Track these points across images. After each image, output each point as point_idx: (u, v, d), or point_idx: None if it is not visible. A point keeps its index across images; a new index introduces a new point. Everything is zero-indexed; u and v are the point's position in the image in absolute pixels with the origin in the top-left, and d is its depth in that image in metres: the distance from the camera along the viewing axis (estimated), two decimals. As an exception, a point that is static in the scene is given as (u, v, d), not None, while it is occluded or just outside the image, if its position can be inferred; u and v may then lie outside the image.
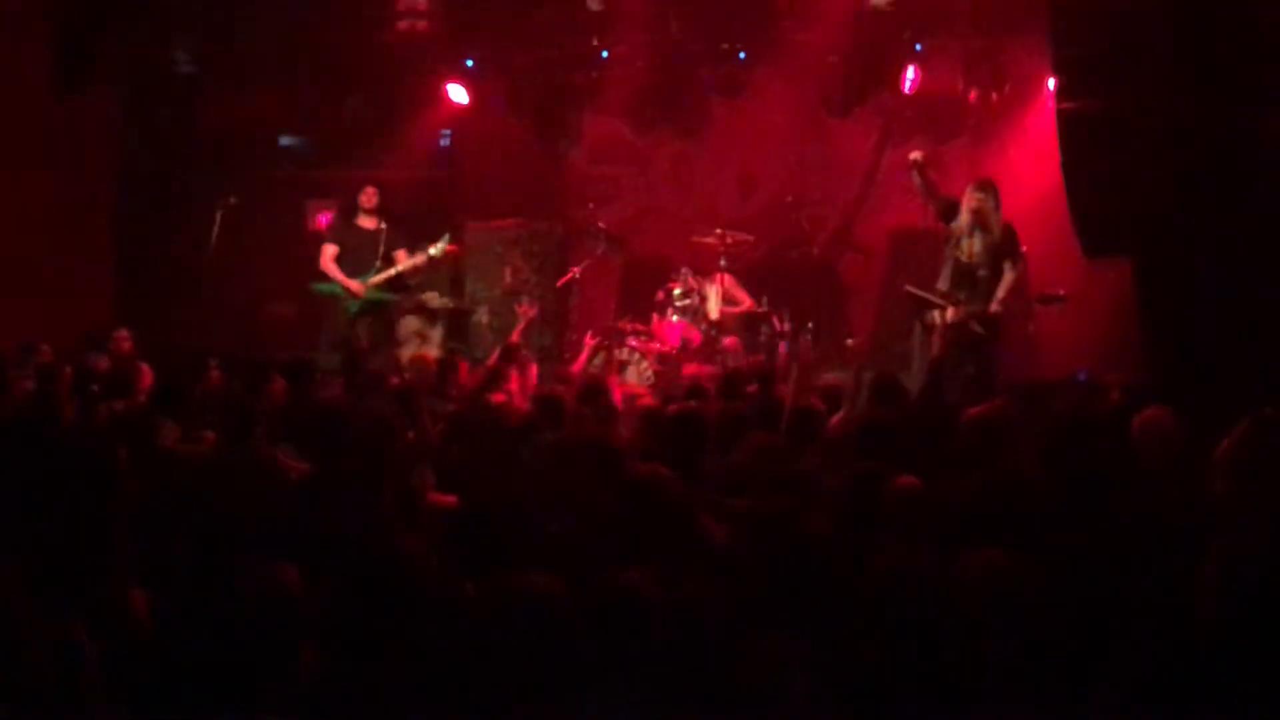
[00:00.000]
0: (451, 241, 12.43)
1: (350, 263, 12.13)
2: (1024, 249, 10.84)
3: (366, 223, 12.23)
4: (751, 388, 8.97)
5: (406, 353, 12.44)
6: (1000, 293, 10.59)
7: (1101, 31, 8.65)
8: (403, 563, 4.37)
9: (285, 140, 15.33)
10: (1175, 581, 4.43)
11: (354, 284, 12.03)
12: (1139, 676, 4.04)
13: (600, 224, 13.61)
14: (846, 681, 4.17)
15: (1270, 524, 5.04)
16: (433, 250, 12.15)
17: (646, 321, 13.05)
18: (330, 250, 12.22)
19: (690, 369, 12.12)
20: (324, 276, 12.20)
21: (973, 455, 6.22)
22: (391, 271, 12.09)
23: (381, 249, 12.13)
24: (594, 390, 8.39)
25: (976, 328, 10.46)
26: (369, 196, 12.27)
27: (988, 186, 10.74)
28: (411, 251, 12.18)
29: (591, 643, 4.17)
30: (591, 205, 14.87)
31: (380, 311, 12.21)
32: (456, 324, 13.86)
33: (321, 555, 4.76)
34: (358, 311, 12.08)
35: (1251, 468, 5.37)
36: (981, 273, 10.61)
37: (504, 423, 7.37)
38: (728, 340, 12.80)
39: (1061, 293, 11.87)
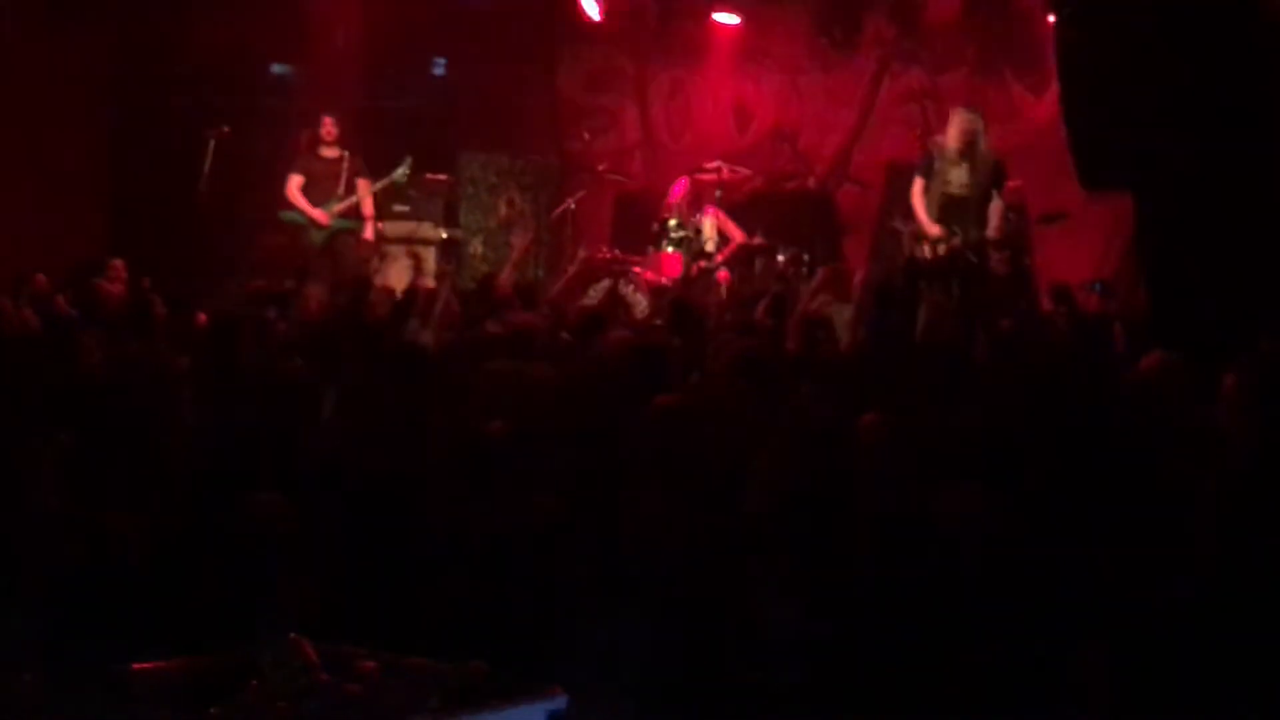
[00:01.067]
0: (443, 171, 12.40)
1: (314, 192, 12.27)
2: (1016, 182, 10.78)
3: (329, 153, 12.34)
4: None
5: (399, 281, 12.40)
6: (994, 219, 10.56)
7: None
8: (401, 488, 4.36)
9: (277, 69, 15.18)
10: (1171, 520, 4.43)
11: (318, 213, 12.19)
12: (1133, 614, 4.04)
13: (599, 166, 13.50)
14: (833, 612, 4.18)
15: (1272, 457, 5.04)
16: (395, 175, 12.27)
17: (642, 253, 12.99)
18: (295, 180, 12.41)
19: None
20: (291, 205, 12.34)
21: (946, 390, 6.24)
22: (353, 199, 12.20)
23: (344, 178, 12.20)
24: (594, 322, 8.32)
25: (972, 257, 10.43)
26: (328, 128, 12.39)
27: (976, 111, 10.68)
28: (375, 180, 12.29)
29: (593, 566, 4.19)
30: (587, 136, 14.76)
31: (346, 239, 12.27)
32: (451, 254, 13.81)
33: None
34: (323, 241, 12.20)
35: (1255, 402, 5.37)
36: (973, 203, 10.57)
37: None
38: (721, 274, 12.73)
39: (1064, 211, 11.76)
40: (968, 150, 10.65)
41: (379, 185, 12.35)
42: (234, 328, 7.39)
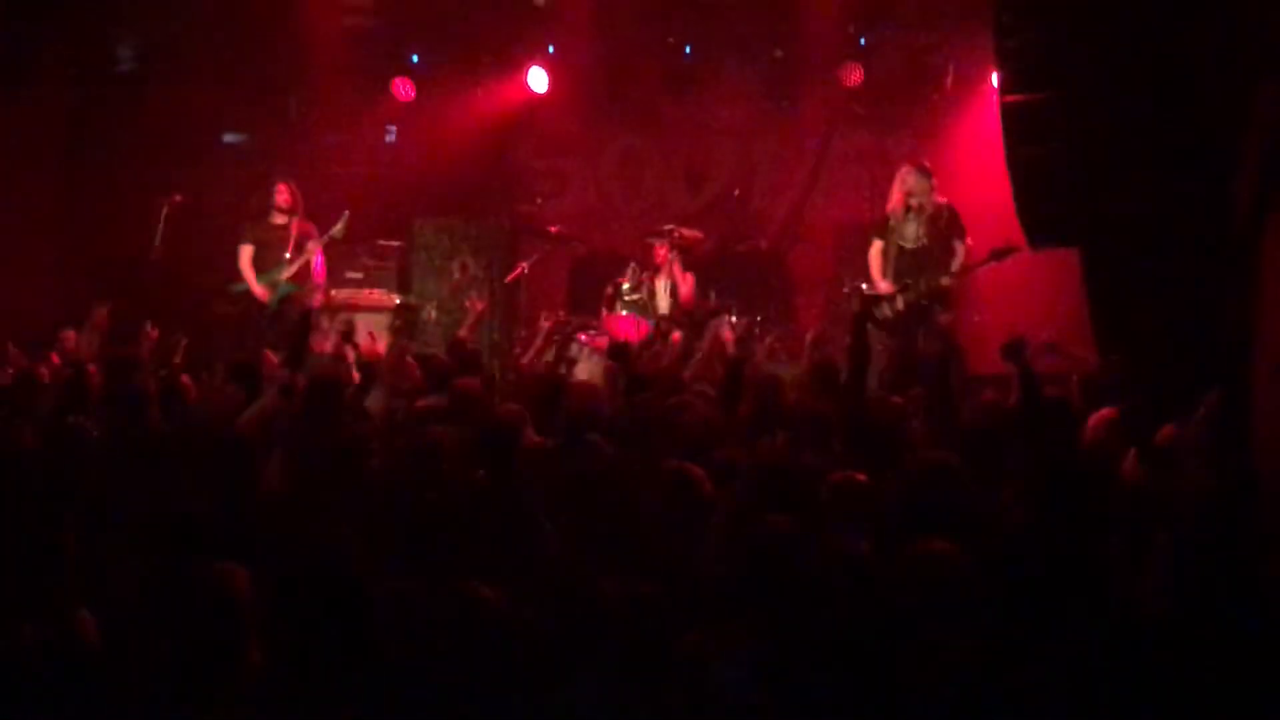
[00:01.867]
0: (398, 238, 12.39)
1: (262, 259, 12.33)
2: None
3: (279, 219, 12.36)
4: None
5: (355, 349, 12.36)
6: (954, 265, 10.74)
7: (1044, 24, 8.69)
8: (341, 562, 4.34)
9: (229, 137, 15.22)
10: (1119, 571, 4.47)
11: (258, 288, 12.19)
12: (1082, 665, 4.07)
13: (551, 229, 13.55)
14: (790, 674, 4.18)
15: (1218, 511, 5.09)
16: (333, 230, 12.32)
17: (595, 316, 13.04)
18: (246, 251, 12.40)
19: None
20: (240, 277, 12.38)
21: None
22: (302, 259, 12.20)
23: (291, 243, 12.27)
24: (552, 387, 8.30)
25: (925, 304, 10.61)
26: (282, 194, 12.39)
27: (921, 169, 10.89)
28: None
29: (545, 643, 4.18)
30: (539, 200, 14.85)
31: (290, 305, 12.23)
32: (405, 320, 13.82)
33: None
34: (274, 308, 12.19)
35: (1200, 454, 5.43)
36: (930, 253, 10.78)
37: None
38: (675, 335, 12.78)
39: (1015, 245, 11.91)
40: (914, 205, 10.91)
41: (320, 242, 12.38)
42: (179, 394, 7.38)
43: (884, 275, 11.17)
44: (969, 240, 11.17)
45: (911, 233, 11.02)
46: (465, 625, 4.20)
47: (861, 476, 5.42)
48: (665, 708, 4.12)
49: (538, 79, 14.58)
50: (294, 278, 12.37)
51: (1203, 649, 4.07)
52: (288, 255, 12.32)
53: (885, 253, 11.19)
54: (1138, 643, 4.18)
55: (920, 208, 10.96)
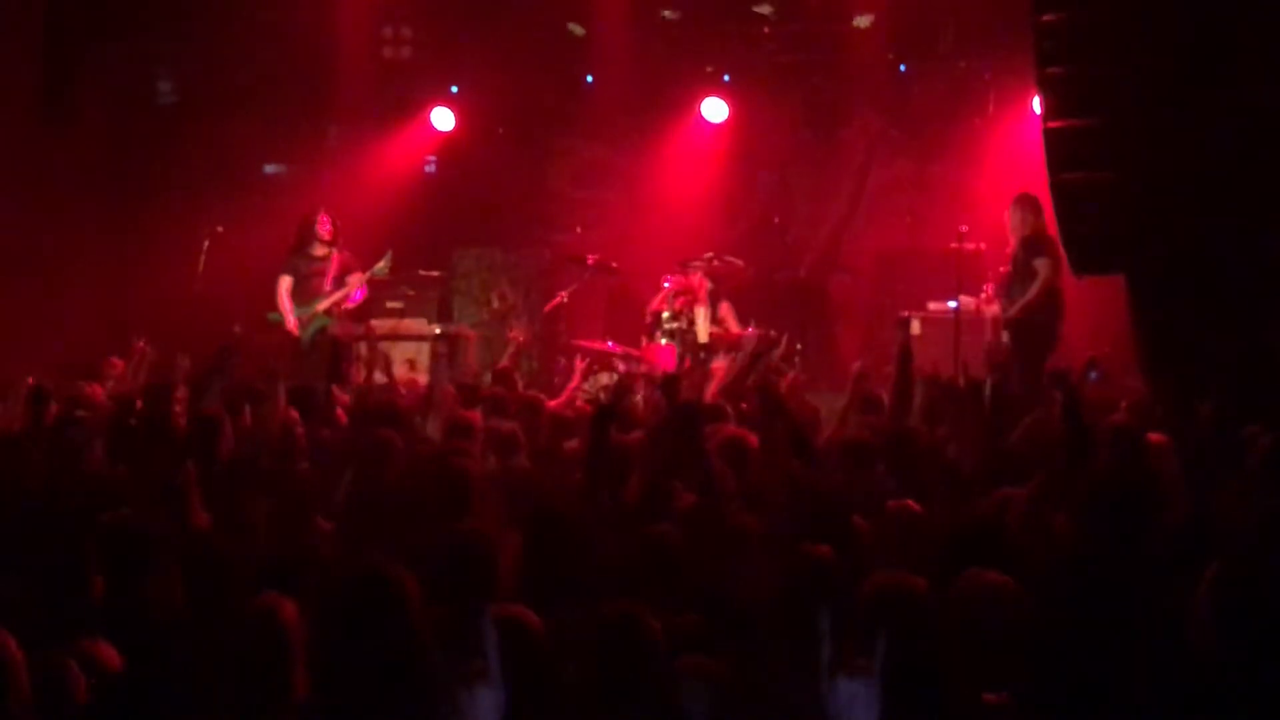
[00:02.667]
0: (438, 268, 12.42)
1: (301, 291, 12.18)
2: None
3: (319, 251, 12.26)
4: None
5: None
6: (1025, 296, 10.65)
7: (1086, 51, 8.67)
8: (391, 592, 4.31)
9: (269, 169, 15.32)
10: (1176, 604, 4.41)
11: (291, 321, 12.09)
12: (1138, 700, 4.02)
13: (589, 258, 13.53)
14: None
15: (1270, 544, 5.03)
16: (375, 269, 12.23)
17: (635, 345, 13.02)
18: (285, 282, 12.25)
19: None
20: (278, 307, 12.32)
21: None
22: (337, 295, 12.12)
23: (330, 275, 12.18)
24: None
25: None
26: (324, 225, 12.28)
27: (1016, 200, 10.85)
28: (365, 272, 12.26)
29: (589, 672, 4.15)
30: (579, 229, 14.87)
31: (325, 337, 12.17)
32: (446, 349, 13.84)
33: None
34: (309, 340, 12.11)
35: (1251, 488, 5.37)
36: (1016, 282, 10.78)
37: None
38: (715, 364, 12.74)
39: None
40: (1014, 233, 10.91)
41: (364, 278, 12.32)
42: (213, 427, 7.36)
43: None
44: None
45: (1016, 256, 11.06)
46: (511, 652, 4.19)
47: (915, 505, 5.39)
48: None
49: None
50: (330, 311, 12.27)
51: (1250, 688, 4.01)
52: (327, 288, 12.25)
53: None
54: (1187, 677, 4.12)
55: (1017, 234, 10.94)
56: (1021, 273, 10.83)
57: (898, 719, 3.55)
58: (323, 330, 12.18)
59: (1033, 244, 10.70)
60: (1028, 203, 10.65)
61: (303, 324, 12.16)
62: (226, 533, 5.75)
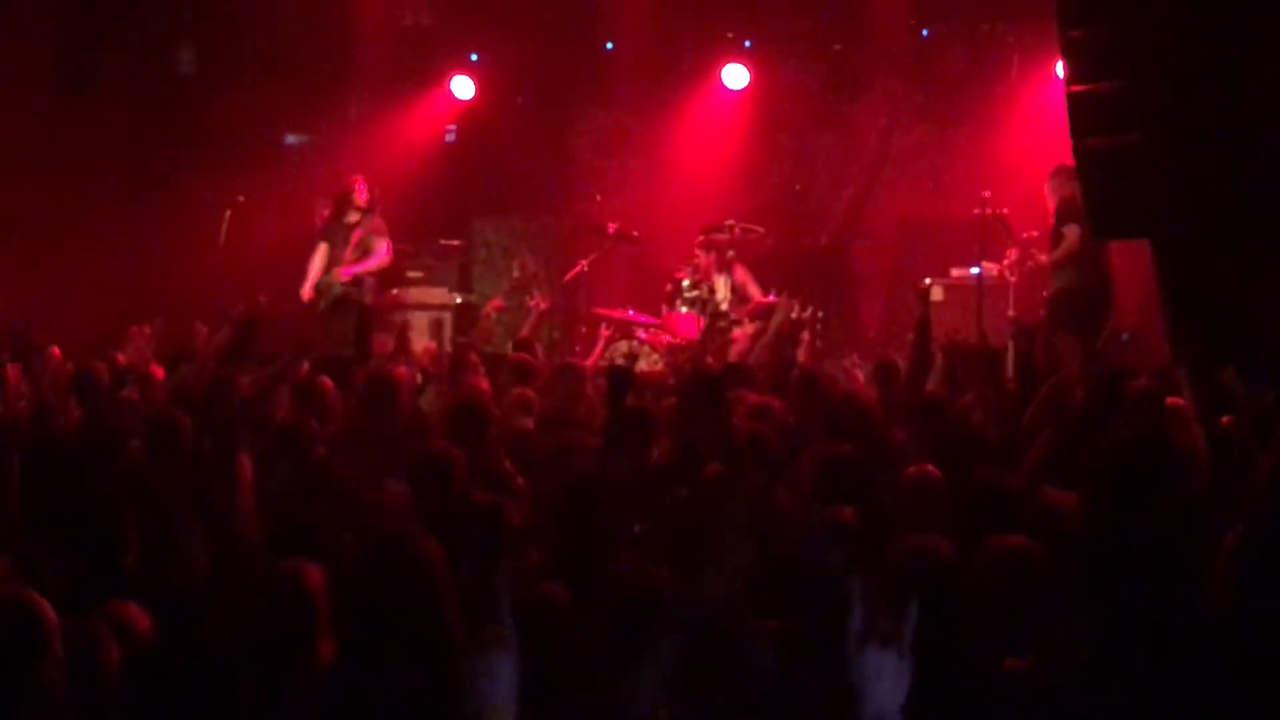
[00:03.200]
0: (458, 237, 12.41)
1: (333, 260, 12.16)
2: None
3: (352, 217, 12.21)
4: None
5: (418, 347, 12.41)
6: (1058, 253, 10.74)
7: (1109, 14, 8.61)
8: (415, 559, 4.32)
9: (290, 138, 15.32)
10: (1196, 570, 4.40)
11: (308, 288, 12.08)
12: (1156, 666, 4.01)
13: (609, 226, 13.48)
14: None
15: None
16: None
17: (656, 313, 13.01)
18: (320, 249, 12.23)
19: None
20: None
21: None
22: (360, 262, 12.10)
23: (355, 240, 12.14)
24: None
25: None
26: (361, 192, 12.21)
27: (1054, 171, 10.90)
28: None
29: (603, 635, 4.17)
30: (599, 197, 14.83)
31: (347, 304, 12.15)
32: (465, 319, 13.86)
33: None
34: (327, 307, 12.10)
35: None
36: (1050, 250, 11.03)
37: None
38: (736, 333, 12.73)
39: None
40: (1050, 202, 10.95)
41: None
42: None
43: None
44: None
45: None
46: (527, 616, 4.21)
47: (935, 471, 5.38)
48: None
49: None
50: (357, 279, 12.23)
51: (1268, 655, 4.00)
52: (347, 255, 12.23)
53: None
54: (1205, 643, 4.11)
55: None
56: (1054, 241, 10.86)
57: (927, 689, 3.53)
58: (340, 299, 12.15)
59: (1064, 211, 10.70)
60: (1063, 172, 10.62)
61: (319, 291, 12.15)
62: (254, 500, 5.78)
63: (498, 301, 12.01)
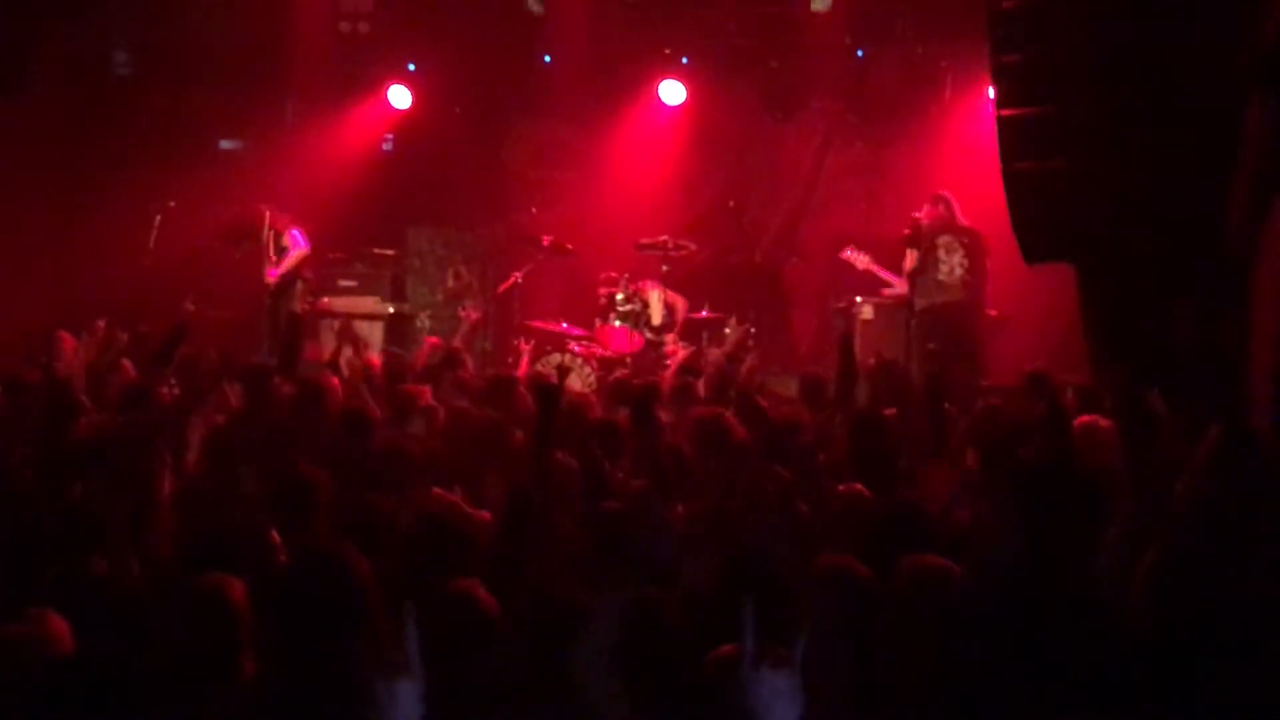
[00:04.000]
0: (392, 246, 12.43)
1: None
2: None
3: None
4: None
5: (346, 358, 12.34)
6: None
7: (1039, 40, 8.71)
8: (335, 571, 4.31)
9: (225, 144, 15.22)
10: (1114, 586, 4.45)
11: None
12: (1075, 681, 4.05)
13: (544, 239, 13.49)
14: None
15: (1213, 530, 5.08)
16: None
17: (589, 327, 13.04)
18: None
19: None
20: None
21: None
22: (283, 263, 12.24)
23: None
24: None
25: None
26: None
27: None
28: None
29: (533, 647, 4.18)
30: (534, 209, 14.84)
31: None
32: (397, 329, 13.82)
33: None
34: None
35: (1218, 477, 5.42)
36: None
37: None
38: (669, 347, 12.76)
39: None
40: None
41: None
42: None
43: None
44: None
45: None
46: (460, 628, 4.21)
47: (863, 489, 5.44)
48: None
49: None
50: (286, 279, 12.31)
51: (1189, 666, 4.05)
52: (270, 256, 12.31)
53: None
54: (1125, 656, 4.16)
55: None
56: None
57: (826, 710, 3.57)
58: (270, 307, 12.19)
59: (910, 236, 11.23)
60: (934, 199, 11.21)
61: None
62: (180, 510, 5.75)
63: (473, 312, 12.00)
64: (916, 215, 11.89)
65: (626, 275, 13.05)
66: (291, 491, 5.63)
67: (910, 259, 11.37)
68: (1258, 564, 4.76)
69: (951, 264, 11.22)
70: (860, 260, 12.31)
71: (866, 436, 6.77)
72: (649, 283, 13.06)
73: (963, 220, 11.57)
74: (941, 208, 11.48)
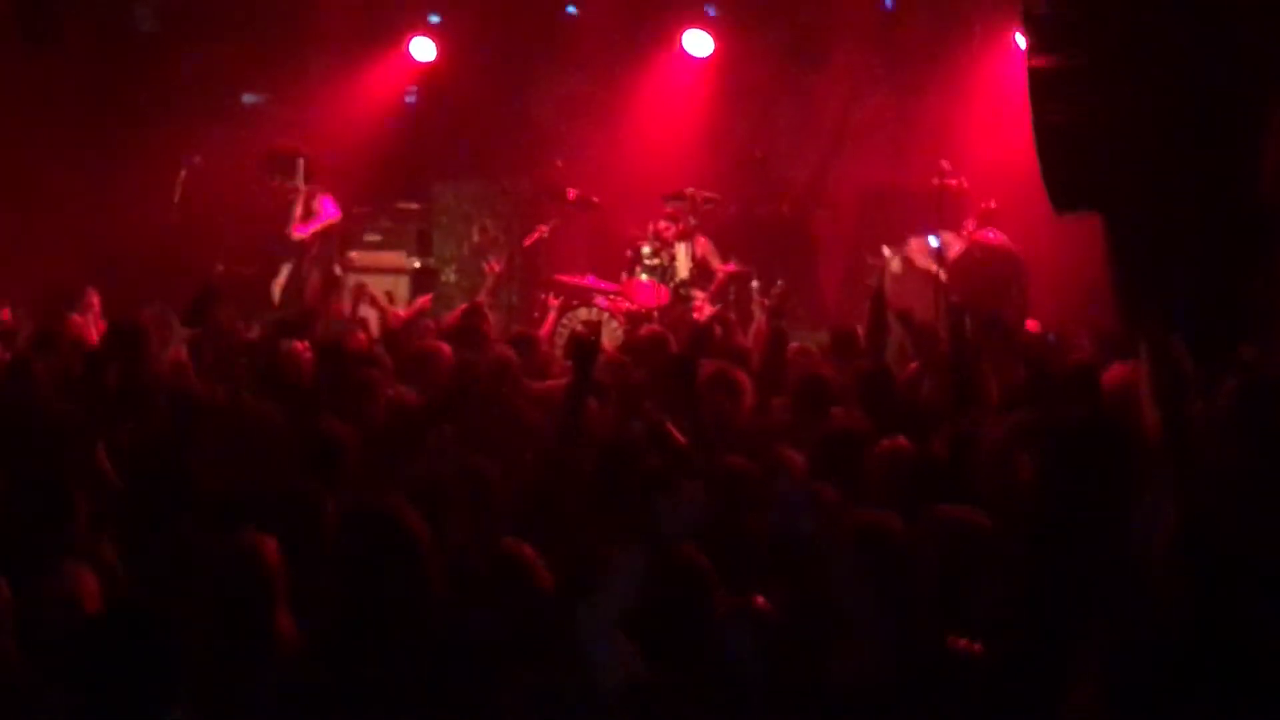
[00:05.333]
0: (417, 201, 12.45)
1: None
2: None
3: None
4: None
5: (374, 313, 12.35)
6: None
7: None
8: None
9: (249, 98, 15.18)
10: (1141, 544, 4.42)
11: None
12: (1103, 639, 4.03)
13: (570, 192, 13.43)
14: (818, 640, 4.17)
15: (1235, 483, 5.05)
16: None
17: (615, 280, 12.99)
18: None
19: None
20: None
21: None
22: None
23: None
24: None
25: None
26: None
27: None
28: None
29: (562, 607, 4.18)
30: (560, 163, 14.76)
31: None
32: (424, 283, 13.81)
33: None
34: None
35: (1236, 428, 5.37)
36: None
37: None
38: (699, 304, 12.70)
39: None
40: None
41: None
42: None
43: None
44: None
45: None
46: (501, 583, 4.23)
47: (907, 444, 5.44)
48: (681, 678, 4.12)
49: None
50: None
51: (1211, 623, 4.03)
52: (297, 214, 12.34)
53: None
54: (1147, 618, 4.13)
55: None
56: None
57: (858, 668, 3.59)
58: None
59: None
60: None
61: None
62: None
63: (495, 264, 11.96)
64: (944, 165, 11.80)
65: (656, 229, 12.96)
66: (321, 448, 5.64)
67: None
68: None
69: None
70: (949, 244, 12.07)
71: (873, 392, 6.77)
72: (690, 236, 12.97)
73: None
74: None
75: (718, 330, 9.12)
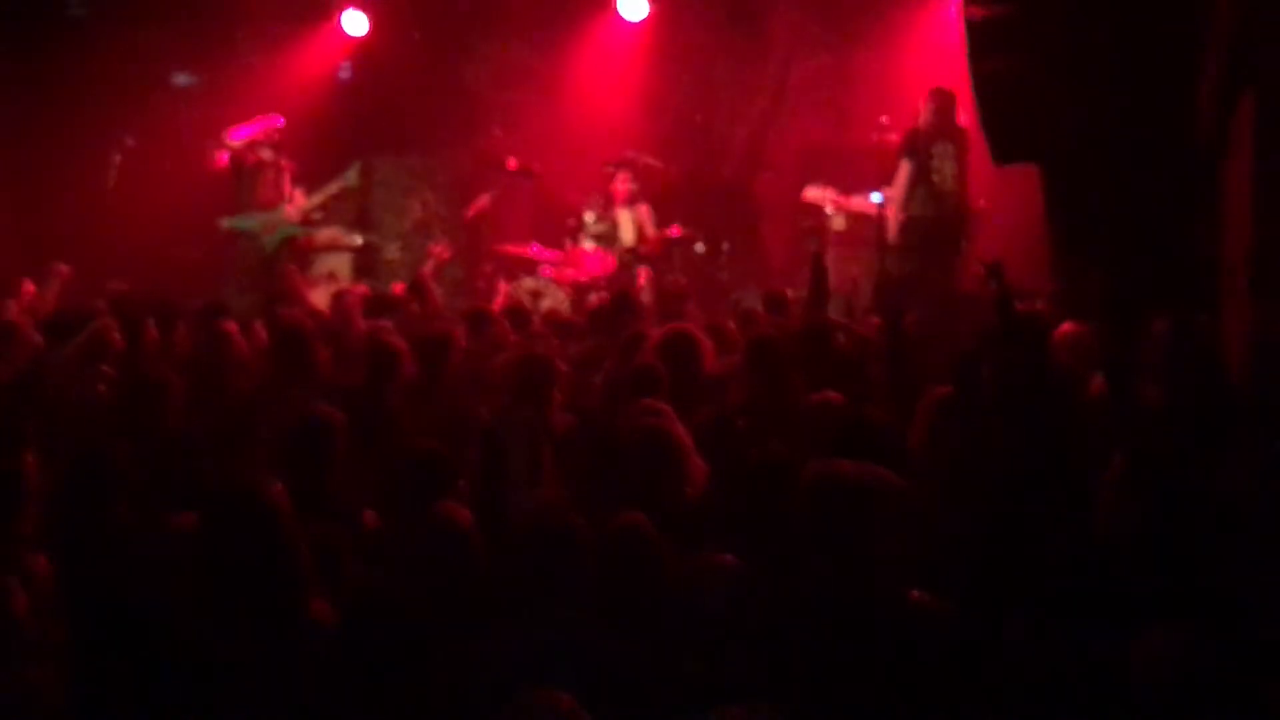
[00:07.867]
0: (359, 176, 12.41)
1: (252, 196, 12.05)
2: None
3: (266, 154, 12.13)
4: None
5: (320, 292, 12.24)
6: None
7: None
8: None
9: (180, 79, 14.97)
10: (1084, 490, 4.43)
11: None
12: (1051, 586, 4.03)
13: (510, 162, 13.30)
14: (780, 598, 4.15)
15: (1174, 429, 5.06)
16: (347, 176, 12.16)
17: (560, 248, 12.90)
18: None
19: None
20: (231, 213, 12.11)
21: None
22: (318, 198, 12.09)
23: (287, 180, 12.23)
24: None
25: None
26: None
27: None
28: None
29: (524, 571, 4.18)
30: (498, 132, 14.65)
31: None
32: (366, 260, 13.69)
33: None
34: (271, 250, 11.98)
35: (1171, 374, 5.39)
36: None
37: None
38: (642, 270, 12.63)
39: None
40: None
41: (330, 191, 12.23)
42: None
43: None
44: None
45: None
46: (441, 551, 4.22)
47: (837, 398, 5.42)
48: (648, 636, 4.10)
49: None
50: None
51: (1160, 568, 4.04)
52: (286, 194, 12.17)
53: None
54: (1097, 562, 4.14)
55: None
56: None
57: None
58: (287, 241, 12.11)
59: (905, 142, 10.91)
60: (930, 95, 10.83)
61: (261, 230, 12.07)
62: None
63: (445, 251, 11.85)
64: (884, 120, 11.75)
65: (597, 196, 12.88)
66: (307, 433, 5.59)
67: (905, 169, 10.89)
68: (1214, 459, 4.76)
69: (944, 173, 10.97)
70: (825, 198, 11.97)
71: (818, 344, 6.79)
72: (638, 204, 12.89)
73: (960, 116, 11.20)
74: (937, 104, 11.05)
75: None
